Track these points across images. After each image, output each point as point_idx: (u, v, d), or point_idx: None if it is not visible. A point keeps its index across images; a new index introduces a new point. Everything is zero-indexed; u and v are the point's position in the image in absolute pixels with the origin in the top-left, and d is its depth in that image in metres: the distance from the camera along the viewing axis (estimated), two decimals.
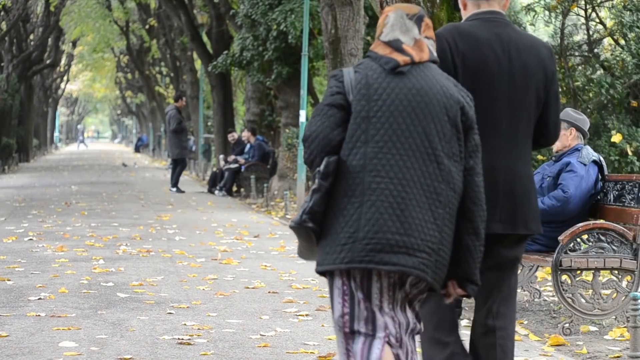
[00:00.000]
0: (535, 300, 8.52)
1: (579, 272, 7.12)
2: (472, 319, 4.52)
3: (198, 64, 35.42)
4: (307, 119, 18.01)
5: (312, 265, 4.29)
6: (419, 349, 4.32)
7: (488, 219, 4.16)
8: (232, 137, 24.03)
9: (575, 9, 13.11)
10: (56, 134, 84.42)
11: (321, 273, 3.98)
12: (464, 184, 4.00)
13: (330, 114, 3.97)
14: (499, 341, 4.40)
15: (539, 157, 12.53)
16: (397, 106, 3.94)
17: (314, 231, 3.95)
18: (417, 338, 4.21)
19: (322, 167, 3.91)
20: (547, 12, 13.08)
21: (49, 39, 43.21)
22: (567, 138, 7.65)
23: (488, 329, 4.41)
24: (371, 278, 3.91)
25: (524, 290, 8.67)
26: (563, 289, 7.08)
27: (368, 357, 3.89)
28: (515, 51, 4.36)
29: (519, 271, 8.60)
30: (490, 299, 4.41)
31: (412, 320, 4.00)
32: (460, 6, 4.53)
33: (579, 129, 7.64)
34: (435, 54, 4.09)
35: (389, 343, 3.91)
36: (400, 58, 3.99)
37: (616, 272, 7.16)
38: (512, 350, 4.44)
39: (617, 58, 12.71)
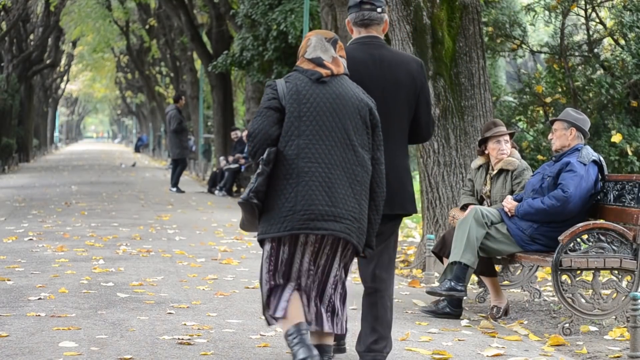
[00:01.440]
0: (535, 300, 8.52)
1: (579, 272, 7.11)
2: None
3: (198, 64, 35.38)
4: None
5: None
6: None
7: None
8: (235, 134, 24.01)
9: (575, 9, 13.10)
10: (56, 134, 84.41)
11: (261, 241, 5.16)
12: (371, 171, 5.12)
13: (268, 114, 5.11)
14: (380, 300, 5.39)
15: (539, 157, 12.52)
16: (322, 107, 5.09)
17: (257, 207, 5.10)
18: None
19: (265, 155, 4.99)
20: (547, 12, 13.07)
21: (49, 39, 43.16)
22: (566, 138, 7.61)
23: (372, 290, 5.42)
24: (297, 243, 5.07)
25: (524, 290, 8.67)
26: (563, 289, 7.08)
27: (280, 298, 5.11)
28: (387, 67, 5.42)
29: (519, 272, 8.61)
30: (372, 264, 5.43)
31: (334, 277, 5.16)
32: (349, 30, 5.59)
33: (579, 129, 7.59)
34: (346, 69, 5.24)
35: (298, 290, 5.12)
36: (323, 71, 5.16)
37: (616, 272, 7.15)
38: (391, 308, 5.43)
39: (617, 58, 12.70)
